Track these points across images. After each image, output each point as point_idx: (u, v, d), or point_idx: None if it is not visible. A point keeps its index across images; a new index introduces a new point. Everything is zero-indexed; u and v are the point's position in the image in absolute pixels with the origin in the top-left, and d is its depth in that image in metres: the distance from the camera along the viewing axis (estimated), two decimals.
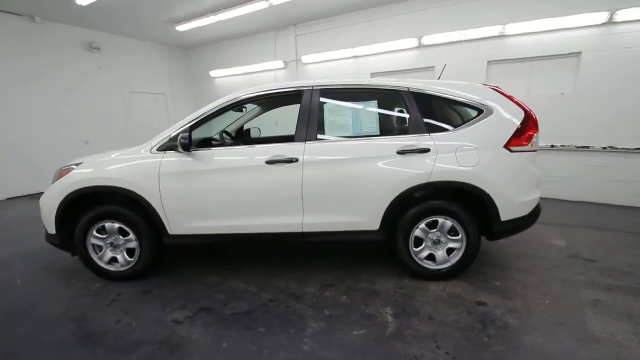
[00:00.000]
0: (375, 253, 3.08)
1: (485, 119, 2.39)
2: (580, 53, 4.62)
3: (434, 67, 5.60)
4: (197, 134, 2.63)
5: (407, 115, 2.45)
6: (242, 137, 3.67)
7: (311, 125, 2.43)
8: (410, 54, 5.78)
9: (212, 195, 2.42)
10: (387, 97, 2.53)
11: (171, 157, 2.45)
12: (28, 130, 6.17)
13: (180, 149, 2.37)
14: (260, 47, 7.53)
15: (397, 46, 5.74)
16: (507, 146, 2.35)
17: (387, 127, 2.53)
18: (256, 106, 3.46)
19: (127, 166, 2.47)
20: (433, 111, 2.43)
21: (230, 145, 3.01)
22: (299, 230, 2.44)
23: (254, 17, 6.36)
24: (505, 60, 5.10)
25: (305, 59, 6.87)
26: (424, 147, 2.33)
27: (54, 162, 2.79)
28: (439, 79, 2.74)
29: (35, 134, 6.26)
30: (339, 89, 2.53)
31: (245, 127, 3.83)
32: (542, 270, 2.72)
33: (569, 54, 4.71)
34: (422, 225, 2.44)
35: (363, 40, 6.11)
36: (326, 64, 6.71)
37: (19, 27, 5.93)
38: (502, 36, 5.00)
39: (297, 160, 2.35)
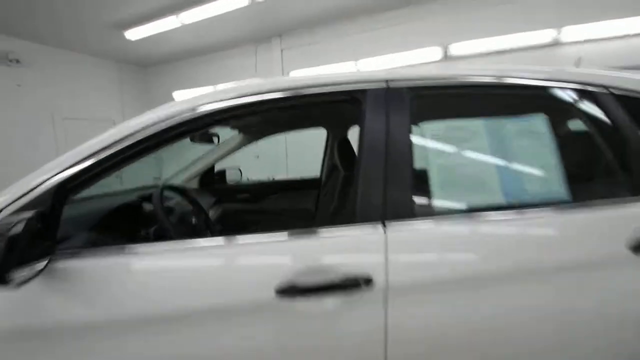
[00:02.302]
0: None
1: None
2: None
3: None
4: (92, 193, 1.05)
5: (617, 149, 1.01)
6: (210, 194, 2.09)
7: (395, 180, 0.92)
8: (432, 67, 4.57)
9: None
10: (562, 109, 1.08)
11: None
12: None
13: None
14: (236, 63, 6.11)
15: (416, 58, 4.52)
16: None
17: (580, 179, 1.07)
18: (237, 131, 1.94)
19: None
20: None
21: (185, 228, 1.38)
22: None
23: (228, 25, 4.99)
24: None
25: (294, 75, 5.50)
26: None
27: None
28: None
29: None
30: (454, 88, 1.04)
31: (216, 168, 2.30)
32: None
33: None
34: None
35: (370, 51, 4.85)
36: None
37: None
38: (555, 44, 3.91)
39: (368, 282, 0.82)
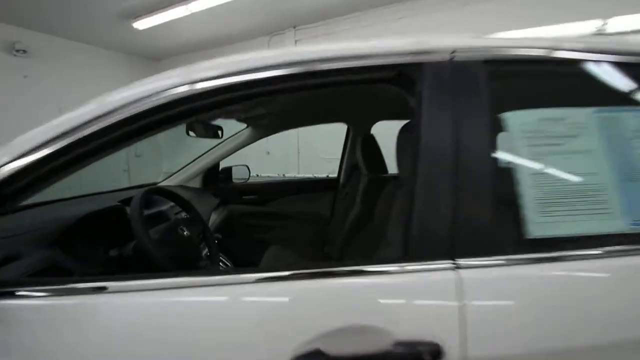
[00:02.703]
0: None
1: None
2: None
3: None
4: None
5: None
6: (214, 195, 1.85)
7: (470, 198, 0.61)
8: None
9: None
10: None
11: None
12: None
13: None
14: None
15: None
16: None
17: None
18: (246, 126, 1.68)
19: None
20: None
21: (172, 244, 1.07)
22: None
23: (239, 16, 4.75)
24: None
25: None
26: None
27: None
28: None
29: None
30: (554, 63, 0.69)
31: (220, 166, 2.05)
32: None
33: None
34: None
35: None
36: None
37: None
38: (600, 34, 3.53)
39: (437, 355, 0.53)
